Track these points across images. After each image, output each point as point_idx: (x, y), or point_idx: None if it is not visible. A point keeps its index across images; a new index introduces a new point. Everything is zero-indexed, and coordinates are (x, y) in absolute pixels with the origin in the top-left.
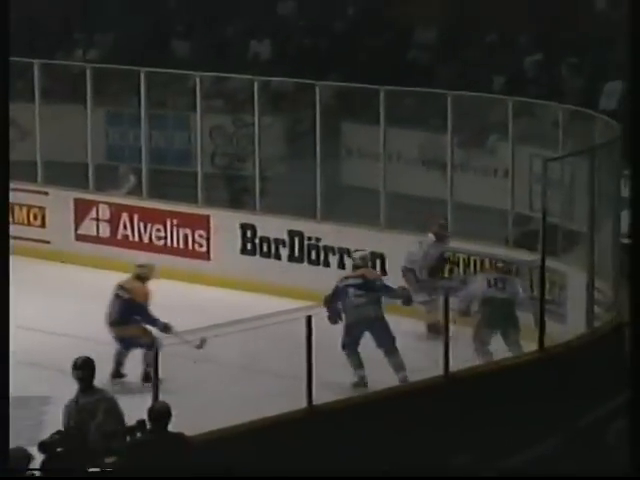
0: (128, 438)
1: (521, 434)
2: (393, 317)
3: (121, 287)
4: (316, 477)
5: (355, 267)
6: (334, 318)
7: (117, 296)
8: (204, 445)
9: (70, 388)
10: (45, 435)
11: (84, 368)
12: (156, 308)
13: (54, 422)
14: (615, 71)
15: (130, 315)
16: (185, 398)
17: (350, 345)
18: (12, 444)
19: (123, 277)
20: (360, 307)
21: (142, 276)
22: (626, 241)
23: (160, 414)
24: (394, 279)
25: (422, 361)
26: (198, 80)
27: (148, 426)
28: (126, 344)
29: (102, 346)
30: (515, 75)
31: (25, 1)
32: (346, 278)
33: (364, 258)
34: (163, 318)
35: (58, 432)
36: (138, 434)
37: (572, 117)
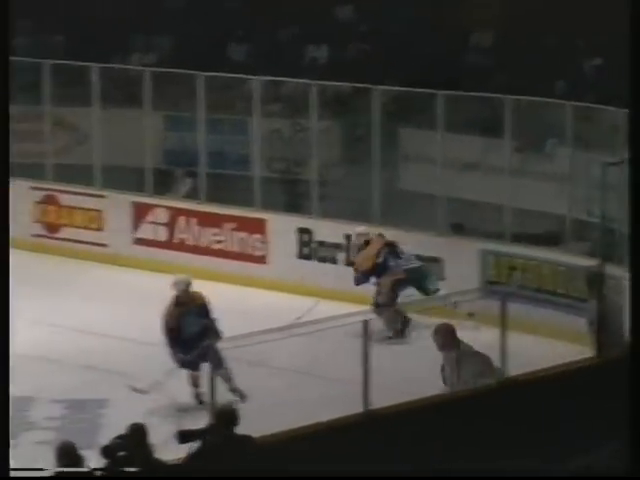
0: (197, 441)
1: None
2: None
3: None
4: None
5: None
6: None
7: None
8: (266, 448)
9: (127, 391)
10: (102, 438)
11: None
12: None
13: (111, 425)
14: None
15: None
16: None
17: None
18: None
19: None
20: None
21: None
22: None
23: (228, 416)
24: (453, 284)
25: None
26: (255, 84)
27: (216, 429)
28: None
29: (158, 348)
30: (575, 79)
31: (83, 6)
32: None
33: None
34: (219, 322)
35: (119, 437)
36: (207, 436)
37: None
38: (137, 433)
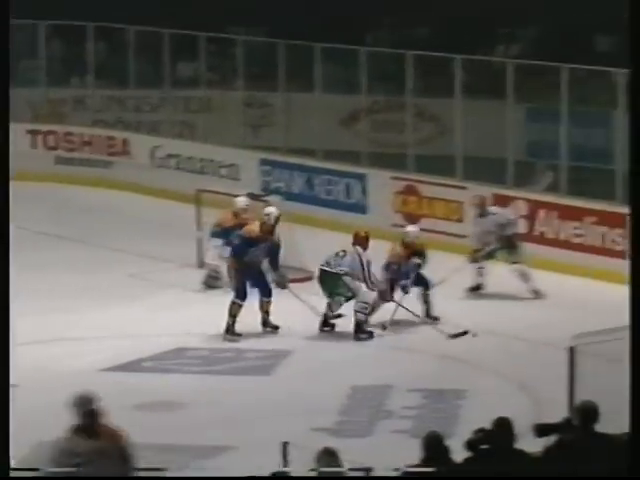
0: (554, 435)
1: None
2: None
3: None
4: None
5: None
6: None
7: None
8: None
9: (486, 383)
10: (459, 429)
11: None
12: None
13: (468, 416)
14: None
15: None
16: (600, 401)
17: None
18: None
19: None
20: None
21: None
22: None
23: (589, 412)
24: None
25: None
26: (620, 77)
27: (574, 424)
28: None
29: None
30: None
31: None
32: None
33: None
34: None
35: (481, 430)
36: (564, 433)
37: None
38: (503, 427)
